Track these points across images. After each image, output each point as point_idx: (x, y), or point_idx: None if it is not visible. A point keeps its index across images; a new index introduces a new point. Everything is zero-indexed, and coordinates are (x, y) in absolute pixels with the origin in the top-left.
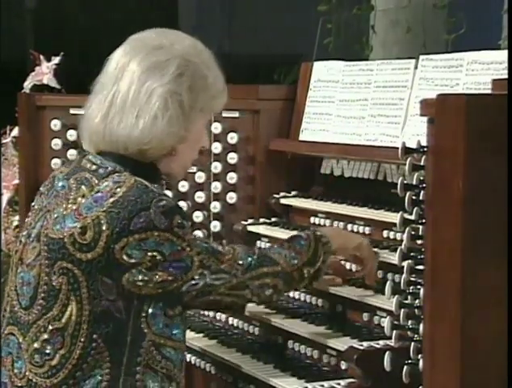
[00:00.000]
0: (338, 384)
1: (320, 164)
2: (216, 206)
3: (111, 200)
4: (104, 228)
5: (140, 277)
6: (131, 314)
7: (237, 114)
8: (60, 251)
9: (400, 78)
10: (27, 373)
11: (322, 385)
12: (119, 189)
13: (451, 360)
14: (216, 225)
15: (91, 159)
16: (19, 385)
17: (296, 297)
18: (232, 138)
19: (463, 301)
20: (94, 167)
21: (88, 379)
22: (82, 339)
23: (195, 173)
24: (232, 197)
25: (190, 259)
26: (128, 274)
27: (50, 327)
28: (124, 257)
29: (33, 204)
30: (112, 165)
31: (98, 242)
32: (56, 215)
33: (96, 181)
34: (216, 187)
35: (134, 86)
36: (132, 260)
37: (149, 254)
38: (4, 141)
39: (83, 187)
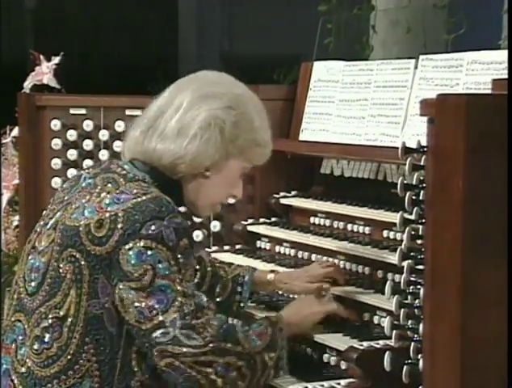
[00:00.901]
0: (338, 384)
1: (320, 164)
2: None
3: (133, 201)
4: (119, 226)
5: (127, 295)
6: (122, 336)
7: None
8: (73, 239)
9: (400, 77)
10: (27, 361)
11: (322, 385)
12: (144, 195)
13: (451, 360)
14: (215, 225)
15: (121, 164)
16: (21, 371)
17: (296, 296)
18: None
19: (463, 301)
20: (123, 172)
21: (78, 384)
22: (77, 337)
23: None
24: None
25: (174, 295)
26: (122, 285)
27: (50, 315)
28: (123, 260)
29: (54, 198)
30: (142, 174)
31: (110, 238)
32: (77, 205)
33: (123, 182)
34: None
35: (184, 106)
36: (126, 267)
37: (144, 266)
38: (4, 141)
39: (109, 185)
